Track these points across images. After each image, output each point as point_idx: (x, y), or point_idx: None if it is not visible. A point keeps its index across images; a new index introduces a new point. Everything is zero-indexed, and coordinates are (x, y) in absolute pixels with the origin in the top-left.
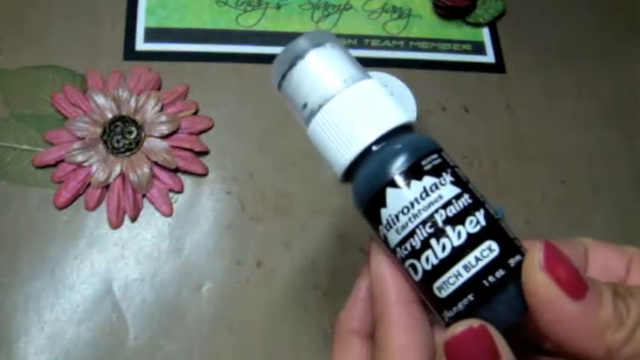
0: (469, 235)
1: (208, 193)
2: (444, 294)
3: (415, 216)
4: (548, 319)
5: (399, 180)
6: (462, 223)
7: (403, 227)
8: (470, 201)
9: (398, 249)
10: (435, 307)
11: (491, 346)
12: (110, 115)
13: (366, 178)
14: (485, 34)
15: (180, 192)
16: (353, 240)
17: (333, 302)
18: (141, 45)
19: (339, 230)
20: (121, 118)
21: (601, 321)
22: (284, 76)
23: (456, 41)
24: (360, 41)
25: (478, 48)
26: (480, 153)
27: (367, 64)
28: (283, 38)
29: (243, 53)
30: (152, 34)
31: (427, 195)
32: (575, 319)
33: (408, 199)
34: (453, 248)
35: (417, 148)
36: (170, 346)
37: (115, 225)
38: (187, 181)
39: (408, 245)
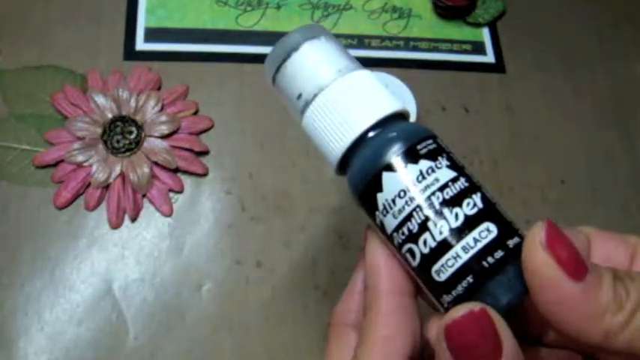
0: (466, 216)
1: (208, 193)
2: (442, 277)
3: (412, 199)
4: (547, 299)
5: (395, 163)
6: (459, 205)
7: (400, 211)
8: (466, 184)
9: (395, 234)
10: (433, 293)
11: (493, 330)
12: (110, 115)
13: (362, 164)
14: (485, 34)
15: (180, 192)
16: (353, 240)
17: (333, 302)
18: (141, 45)
19: (339, 230)
20: (121, 118)
21: (600, 304)
22: (278, 69)
23: (456, 41)
24: (360, 41)
25: (478, 48)
26: (480, 153)
27: (367, 64)
28: None
29: (243, 53)
30: (152, 34)
31: (423, 178)
32: (574, 301)
33: (405, 183)
34: (451, 230)
35: (412, 133)
36: (170, 346)
37: (115, 225)
38: (187, 181)
39: (405, 229)
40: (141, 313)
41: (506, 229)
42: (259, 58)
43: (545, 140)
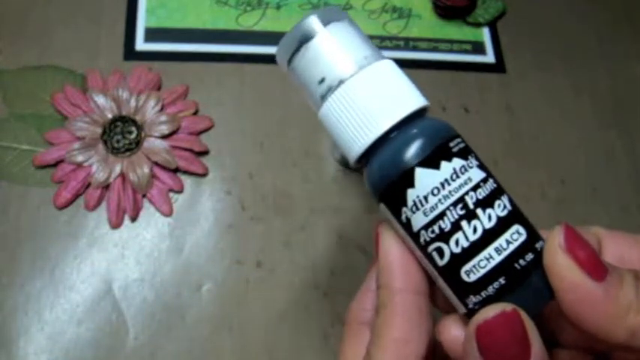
0: (499, 218)
1: (208, 193)
2: (472, 278)
3: (446, 197)
4: (571, 299)
5: (430, 160)
6: (492, 206)
7: (432, 208)
8: (495, 185)
9: (423, 232)
10: (458, 293)
11: (523, 332)
12: (110, 115)
13: (390, 159)
14: (485, 34)
15: (180, 192)
16: (353, 240)
17: (333, 302)
18: (141, 45)
19: (339, 230)
20: (121, 118)
21: (623, 303)
22: (298, 50)
23: (456, 41)
24: None
25: (478, 48)
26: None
27: None
28: None
29: (243, 53)
30: (152, 34)
31: (457, 177)
32: (597, 301)
33: (439, 180)
34: (485, 231)
35: (442, 130)
36: (170, 346)
37: (115, 225)
38: (187, 181)
39: (436, 227)
40: (141, 313)
41: (533, 231)
42: (259, 58)
43: (545, 140)
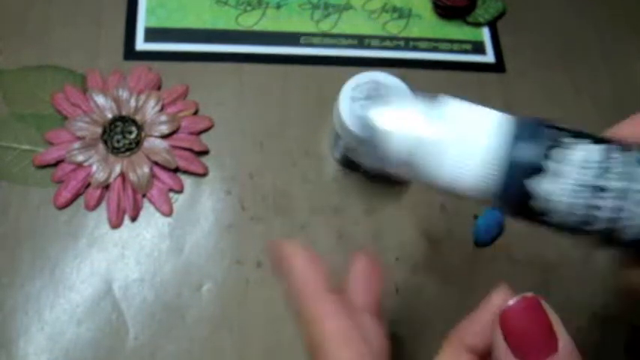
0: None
1: (208, 193)
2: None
3: (583, 190)
4: None
5: (538, 170)
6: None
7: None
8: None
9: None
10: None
11: (544, 316)
12: (110, 115)
13: (512, 181)
14: (485, 34)
15: (180, 192)
16: (353, 240)
17: None
18: (141, 45)
19: (339, 230)
20: (121, 118)
21: None
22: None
23: (456, 41)
24: (360, 41)
25: (478, 48)
26: None
27: (367, 64)
28: (283, 38)
29: (243, 53)
30: (152, 34)
31: (588, 167)
32: None
33: (560, 186)
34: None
35: (540, 133)
36: (170, 346)
37: (115, 225)
38: (187, 181)
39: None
40: (141, 313)
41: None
42: (259, 58)
43: None
